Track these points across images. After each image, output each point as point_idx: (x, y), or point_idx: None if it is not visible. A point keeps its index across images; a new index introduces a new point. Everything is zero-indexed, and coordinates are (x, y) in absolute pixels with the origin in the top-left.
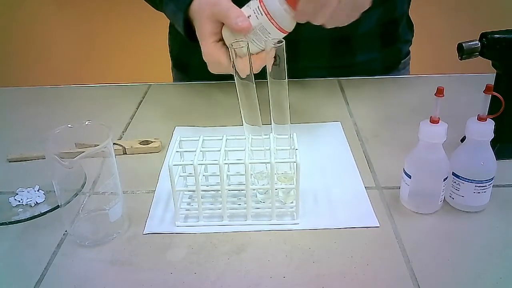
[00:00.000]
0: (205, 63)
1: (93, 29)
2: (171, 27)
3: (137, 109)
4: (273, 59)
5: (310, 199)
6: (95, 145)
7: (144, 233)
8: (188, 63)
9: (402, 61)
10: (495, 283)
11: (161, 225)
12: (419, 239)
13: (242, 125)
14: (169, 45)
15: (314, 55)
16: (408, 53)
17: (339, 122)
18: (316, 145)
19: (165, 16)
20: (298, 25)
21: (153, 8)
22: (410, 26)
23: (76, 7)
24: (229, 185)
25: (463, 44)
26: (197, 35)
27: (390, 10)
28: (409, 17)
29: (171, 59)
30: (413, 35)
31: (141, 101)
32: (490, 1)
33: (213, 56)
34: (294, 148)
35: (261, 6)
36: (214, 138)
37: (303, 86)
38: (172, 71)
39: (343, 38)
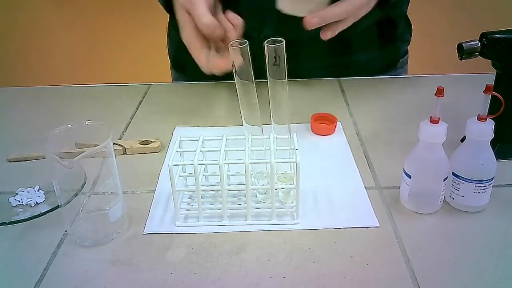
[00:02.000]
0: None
1: (93, 29)
2: (169, 29)
3: (137, 109)
4: (273, 59)
5: (310, 199)
6: (95, 145)
7: (144, 233)
8: (184, 63)
9: (400, 60)
10: (495, 283)
11: (161, 225)
12: (419, 239)
13: (242, 125)
14: (168, 47)
15: (313, 55)
16: (406, 52)
17: (339, 122)
18: (316, 145)
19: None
20: (298, 26)
21: (152, 9)
22: (408, 26)
23: (76, 7)
24: (229, 185)
25: (463, 44)
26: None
27: (389, 10)
28: (408, 17)
29: (170, 60)
30: (411, 35)
31: (141, 101)
32: (490, 1)
33: (222, 68)
34: (294, 148)
35: None
36: (214, 138)
37: (303, 86)
38: (170, 71)
39: (341, 38)
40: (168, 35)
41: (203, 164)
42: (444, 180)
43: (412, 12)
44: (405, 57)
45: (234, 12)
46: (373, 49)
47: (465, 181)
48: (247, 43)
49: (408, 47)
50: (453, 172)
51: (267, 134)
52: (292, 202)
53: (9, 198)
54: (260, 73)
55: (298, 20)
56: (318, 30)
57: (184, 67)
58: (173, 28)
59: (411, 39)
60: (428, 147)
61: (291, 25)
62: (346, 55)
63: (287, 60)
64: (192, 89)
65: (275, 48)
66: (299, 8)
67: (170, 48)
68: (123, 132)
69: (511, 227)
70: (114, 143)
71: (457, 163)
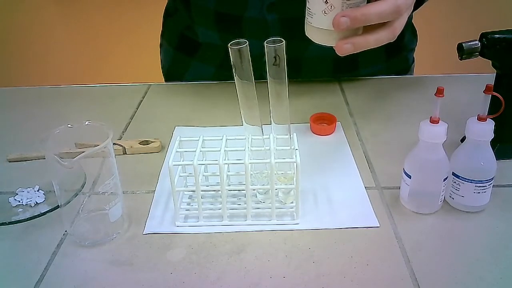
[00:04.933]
0: (197, 77)
1: (93, 29)
2: (162, 41)
3: (137, 109)
4: (273, 59)
5: (310, 199)
6: (95, 145)
7: (144, 233)
8: (180, 78)
9: (409, 70)
10: (495, 283)
11: (161, 225)
12: (419, 239)
13: (242, 125)
14: (160, 59)
15: (317, 71)
16: (413, 60)
17: (339, 122)
18: (316, 145)
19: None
20: (302, 43)
21: (152, 8)
22: (414, 34)
23: (76, 7)
24: (229, 185)
25: (463, 44)
26: None
27: None
28: (413, 25)
29: (163, 73)
30: (417, 42)
31: (141, 101)
32: (490, 1)
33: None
34: (294, 148)
35: None
36: (214, 138)
37: (303, 86)
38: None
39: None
40: (161, 46)
41: (203, 164)
42: (444, 180)
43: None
44: (412, 65)
45: (237, 30)
46: (379, 62)
47: (465, 181)
48: (247, 43)
49: (413, 54)
50: (453, 172)
51: (267, 134)
52: (292, 202)
53: (9, 198)
54: (260, 73)
55: (303, 37)
56: (323, 47)
57: (179, 80)
58: (166, 40)
59: (416, 46)
60: (428, 147)
61: (295, 42)
62: (351, 71)
63: (289, 76)
64: (192, 89)
65: (275, 48)
66: (331, 39)
67: (164, 61)
68: (123, 132)
69: (511, 227)
70: (114, 143)
71: (457, 163)
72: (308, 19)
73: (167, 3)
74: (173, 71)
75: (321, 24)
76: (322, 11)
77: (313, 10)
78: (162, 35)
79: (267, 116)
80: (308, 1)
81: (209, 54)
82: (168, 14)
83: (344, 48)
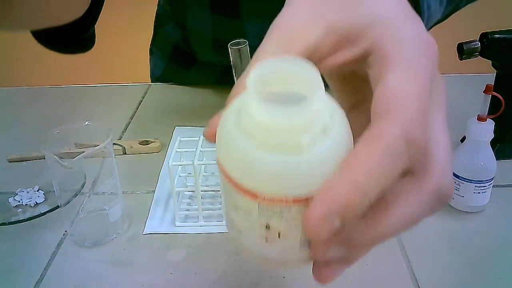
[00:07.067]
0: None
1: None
2: (152, 48)
3: (137, 109)
4: None
5: None
6: (95, 145)
7: (144, 233)
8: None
9: None
10: (495, 283)
11: (161, 225)
12: (419, 239)
13: None
14: (150, 64)
15: None
16: None
17: None
18: None
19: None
20: None
21: (153, 8)
22: None
23: None
24: None
25: (463, 44)
26: None
27: None
28: None
29: (151, 80)
30: None
31: (141, 101)
32: (490, 1)
33: None
34: None
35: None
36: None
37: None
38: None
39: None
40: (151, 53)
41: (203, 164)
42: None
43: None
44: None
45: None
46: None
47: (465, 181)
48: (247, 43)
49: None
50: (453, 172)
51: None
52: None
53: (9, 199)
54: None
55: None
56: None
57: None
58: (158, 49)
59: None
60: None
61: None
62: None
63: None
64: (192, 89)
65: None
66: (289, 261)
67: (154, 69)
68: (123, 132)
69: (511, 227)
70: (114, 143)
71: (457, 163)
72: (231, 230)
73: (158, 9)
74: (167, 78)
75: (262, 251)
76: (260, 237)
77: (238, 224)
78: (152, 42)
79: None
80: (223, 199)
81: (206, 70)
82: (160, 23)
83: (330, 276)
